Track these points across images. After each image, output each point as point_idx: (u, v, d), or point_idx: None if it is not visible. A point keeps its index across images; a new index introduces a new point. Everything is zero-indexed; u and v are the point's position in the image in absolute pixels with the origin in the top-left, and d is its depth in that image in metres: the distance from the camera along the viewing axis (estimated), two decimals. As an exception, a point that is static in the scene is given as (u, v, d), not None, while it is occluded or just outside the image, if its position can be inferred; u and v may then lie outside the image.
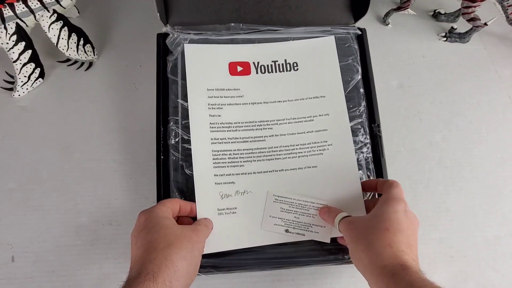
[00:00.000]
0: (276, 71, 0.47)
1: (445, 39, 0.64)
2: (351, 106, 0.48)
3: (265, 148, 0.44)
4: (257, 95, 0.46)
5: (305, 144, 0.45)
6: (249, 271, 0.44)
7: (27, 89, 0.55)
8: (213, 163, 0.44)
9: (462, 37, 0.64)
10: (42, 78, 0.56)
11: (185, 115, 0.46)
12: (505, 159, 0.54)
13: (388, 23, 0.65)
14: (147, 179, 0.50)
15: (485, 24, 0.60)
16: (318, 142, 0.45)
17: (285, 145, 0.44)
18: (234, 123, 0.45)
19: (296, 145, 0.44)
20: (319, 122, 0.46)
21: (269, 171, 0.44)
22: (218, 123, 0.45)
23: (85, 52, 0.57)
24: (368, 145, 0.47)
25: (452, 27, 0.65)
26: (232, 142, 0.44)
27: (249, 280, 0.45)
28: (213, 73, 0.47)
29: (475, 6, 0.58)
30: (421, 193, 0.51)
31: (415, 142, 0.55)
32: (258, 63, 0.47)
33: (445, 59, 0.63)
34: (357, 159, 0.46)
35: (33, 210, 0.48)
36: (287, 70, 0.47)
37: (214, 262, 0.42)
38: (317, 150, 0.44)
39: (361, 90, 0.48)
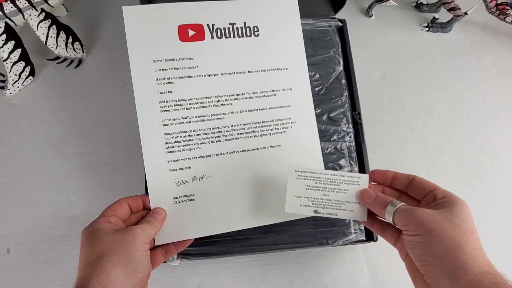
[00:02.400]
0: (234, 36, 0.41)
1: (427, 29, 0.66)
2: (333, 96, 0.49)
3: (225, 126, 0.40)
4: (214, 65, 0.41)
5: (268, 121, 0.41)
6: (237, 255, 0.45)
7: (18, 87, 0.56)
8: (166, 148, 0.39)
9: (444, 26, 0.65)
10: (33, 76, 0.57)
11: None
12: (485, 144, 0.56)
13: (372, 15, 0.66)
14: (137, 171, 0.52)
15: (465, 13, 0.62)
16: (282, 120, 0.42)
17: (246, 123, 0.41)
18: (188, 99, 0.40)
19: (258, 123, 0.41)
20: (282, 98, 0.42)
21: (230, 153, 0.40)
22: (169, 101, 0.40)
23: (74, 49, 0.58)
24: (351, 134, 0.48)
25: (434, 17, 0.66)
26: (186, 122, 0.40)
27: (237, 265, 0.47)
28: (160, 40, 0.40)
29: (454, -4, 0.60)
30: (403, 179, 0.53)
31: (397, 130, 0.57)
32: (213, 25, 0.41)
33: (427, 48, 0.64)
34: (340, 147, 0.48)
35: (26, 204, 0.49)
36: (246, 36, 0.41)
37: (202, 250, 0.44)
38: (280, 128, 0.41)
39: (343, 81, 0.50)
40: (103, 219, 0.35)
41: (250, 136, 0.41)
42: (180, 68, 0.40)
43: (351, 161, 0.47)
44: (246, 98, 0.41)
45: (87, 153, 0.53)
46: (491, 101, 0.60)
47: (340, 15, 0.55)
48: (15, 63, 0.54)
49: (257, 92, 0.41)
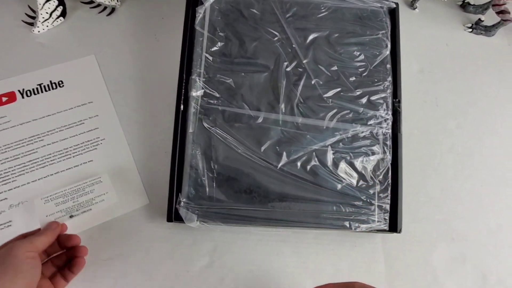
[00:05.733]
0: (42, 92, 0.51)
1: (470, 30, 0.64)
2: (375, 80, 0.48)
3: (38, 158, 0.47)
4: (25, 115, 0.49)
5: (79, 144, 0.49)
6: (256, 226, 0.44)
7: (47, 26, 0.54)
8: None
9: (488, 30, 0.63)
10: (64, 17, 0.55)
11: (209, 69, 0.46)
12: (516, 153, 0.55)
13: (416, 8, 0.64)
14: (160, 129, 0.50)
15: (514, 18, 0.60)
16: (91, 140, 0.49)
17: (58, 150, 0.48)
18: (3, 146, 0.48)
19: (70, 147, 0.48)
20: (90, 123, 0.50)
21: (44, 177, 0.47)
22: None
23: (109, -4, 0.56)
24: (389, 121, 0.47)
25: (479, 19, 0.64)
26: (1, 163, 0.47)
27: (253, 238, 0.46)
28: None
29: (508, -2, 0.58)
30: (430, 176, 0.52)
31: (429, 126, 0.55)
32: (23, 89, 0.50)
33: (469, 50, 0.62)
34: (376, 133, 0.46)
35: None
36: (53, 89, 0.51)
37: (223, 215, 0.43)
38: (91, 147, 0.49)
39: (388, 65, 0.48)
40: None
41: (63, 159, 0.48)
42: None
43: (385, 149, 0.46)
44: (57, 131, 0.49)
45: (112, 103, 0.51)
46: (528, 111, 0.58)
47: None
48: (48, 0, 0.52)
49: (66, 125, 0.49)
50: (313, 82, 0.47)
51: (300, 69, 0.47)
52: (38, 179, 0.47)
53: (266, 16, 0.48)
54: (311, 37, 0.48)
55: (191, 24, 0.48)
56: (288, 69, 0.47)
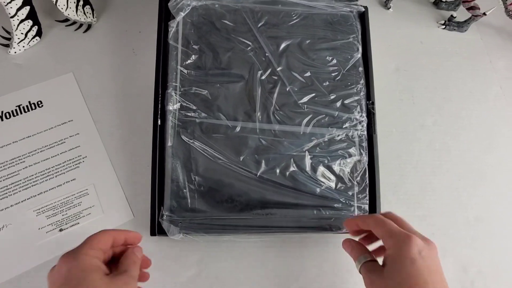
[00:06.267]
0: (21, 113, 0.51)
1: (443, 27, 0.65)
2: (349, 83, 0.48)
3: (20, 180, 0.48)
4: (5, 138, 0.50)
5: (61, 163, 0.49)
6: (239, 234, 0.45)
7: (23, 46, 0.54)
8: None
9: (461, 26, 0.65)
10: (39, 37, 0.56)
11: (185, 83, 0.47)
12: (492, 146, 0.56)
13: (390, 7, 0.66)
14: (143, 143, 0.51)
15: (484, 14, 0.61)
16: (73, 158, 0.50)
17: (40, 171, 0.48)
18: None
19: (52, 167, 0.49)
20: (71, 142, 0.50)
21: (27, 199, 0.47)
22: None
23: (84, 13, 0.56)
24: (363, 123, 0.48)
25: (451, 15, 0.65)
26: None
27: (238, 245, 0.47)
28: None
29: (476, -5, 0.59)
30: (409, 173, 0.53)
31: (407, 124, 0.56)
32: (2, 112, 0.51)
33: (442, 46, 0.64)
34: (351, 136, 0.47)
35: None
36: (32, 109, 0.51)
37: (205, 226, 0.44)
38: (73, 165, 0.49)
39: (360, 68, 0.49)
40: (92, 252, 0.31)
41: (46, 180, 0.48)
42: None
43: (361, 150, 0.47)
44: (38, 152, 0.49)
45: (93, 120, 0.52)
46: (501, 104, 0.60)
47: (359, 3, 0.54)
48: (22, 21, 0.52)
49: (47, 145, 0.50)
50: (287, 89, 0.47)
51: (275, 77, 0.48)
52: (22, 201, 0.47)
53: (238, 27, 0.49)
54: (283, 44, 0.49)
55: (164, 38, 0.48)
56: (263, 77, 0.48)
